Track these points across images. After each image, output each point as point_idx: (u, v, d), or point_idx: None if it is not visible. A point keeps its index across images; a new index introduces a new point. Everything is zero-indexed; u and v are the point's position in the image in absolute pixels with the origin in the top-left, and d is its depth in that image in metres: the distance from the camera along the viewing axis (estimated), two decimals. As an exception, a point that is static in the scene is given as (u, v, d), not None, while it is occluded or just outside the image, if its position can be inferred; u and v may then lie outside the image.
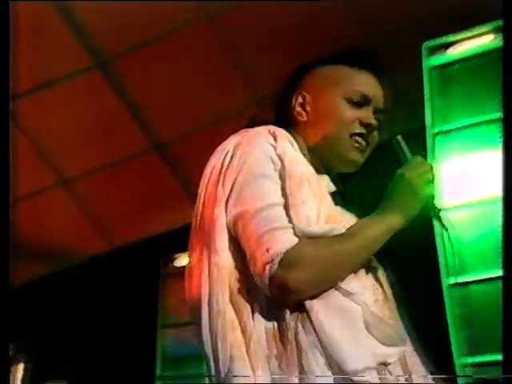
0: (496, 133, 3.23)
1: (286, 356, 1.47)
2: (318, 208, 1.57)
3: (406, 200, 1.63)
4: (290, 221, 1.53)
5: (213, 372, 1.54)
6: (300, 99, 1.80)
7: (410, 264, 3.37)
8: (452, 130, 3.32)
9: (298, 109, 1.80)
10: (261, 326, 1.51)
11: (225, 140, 1.73)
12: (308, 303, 1.50)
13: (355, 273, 1.60)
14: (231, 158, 1.62)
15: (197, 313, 1.60)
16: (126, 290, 4.77)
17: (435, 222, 1.68)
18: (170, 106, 4.13)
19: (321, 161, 1.75)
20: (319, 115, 1.76)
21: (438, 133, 3.33)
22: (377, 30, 3.57)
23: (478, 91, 3.28)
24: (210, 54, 3.91)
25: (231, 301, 1.53)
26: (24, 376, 4.93)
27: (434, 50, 3.40)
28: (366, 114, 1.76)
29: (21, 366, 4.92)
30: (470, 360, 3.10)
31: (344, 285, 1.55)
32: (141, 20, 3.80)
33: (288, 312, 1.51)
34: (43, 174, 4.29)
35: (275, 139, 1.63)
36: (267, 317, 1.52)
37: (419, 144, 3.34)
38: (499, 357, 3.02)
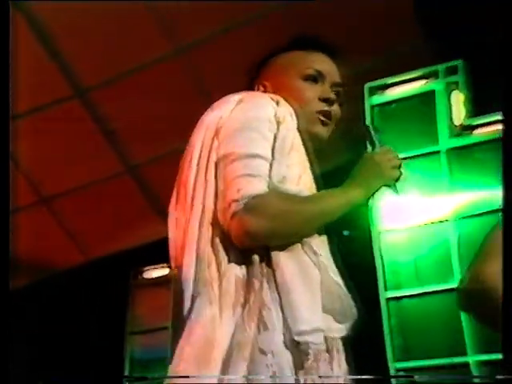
0: (428, 165, 3.44)
1: (249, 307, 1.46)
2: (299, 176, 1.57)
3: (371, 179, 1.61)
4: (269, 176, 1.51)
5: (185, 310, 1.50)
6: (261, 88, 1.75)
7: (353, 279, 3.50)
8: (392, 161, 3.49)
9: None
10: (232, 273, 1.49)
11: None
12: (275, 259, 1.49)
13: (320, 238, 1.58)
14: (231, 111, 1.60)
15: (179, 257, 1.57)
16: (98, 298, 4.82)
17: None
18: (141, 133, 4.23)
19: None
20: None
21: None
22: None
23: (412, 128, 3.50)
24: (180, 85, 4.02)
25: (212, 243, 1.51)
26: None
27: (374, 91, 3.61)
28: (323, 89, 1.71)
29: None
30: (403, 365, 3.27)
31: (313, 244, 1.54)
32: (116, 55, 3.94)
33: (257, 265, 1.49)
34: (26, 193, 4.37)
35: (277, 104, 1.61)
36: (238, 266, 1.49)
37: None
38: (428, 362, 3.22)
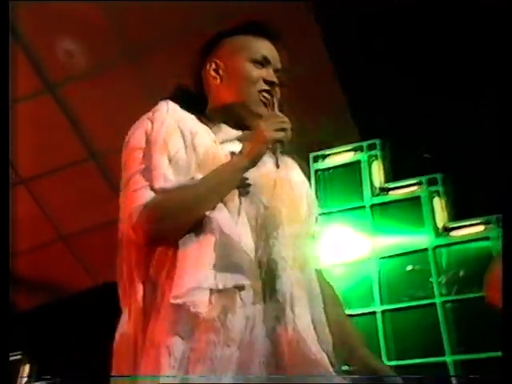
0: (356, 216, 3.74)
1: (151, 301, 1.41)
2: (189, 160, 1.47)
3: (254, 143, 1.48)
4: (149, 180, 1.42)
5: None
6: (213, 65, 1.68)
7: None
8: (330, 212, 3.81)
9: (213, 73, 1.68)
10: (143, 278, 1.45)
11: None
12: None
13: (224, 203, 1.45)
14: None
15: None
16: (106, 320, 4.77)
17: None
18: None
19: (234, 117, 1.63)
20: (231, 77, 1.65)
21: (320, 214, 3.75)
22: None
23: (345, 188, 3.83)
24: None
25: (128, 258, 1.49)
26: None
27: (317, 159, 3.94)
28: (268, 73, 1.65)
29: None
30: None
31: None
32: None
33: (164, 258, 1.41)
34: (47, 231, 4.58)
35: (153, 113, 1.54)
36: (147, 270, 1.44)
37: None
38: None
